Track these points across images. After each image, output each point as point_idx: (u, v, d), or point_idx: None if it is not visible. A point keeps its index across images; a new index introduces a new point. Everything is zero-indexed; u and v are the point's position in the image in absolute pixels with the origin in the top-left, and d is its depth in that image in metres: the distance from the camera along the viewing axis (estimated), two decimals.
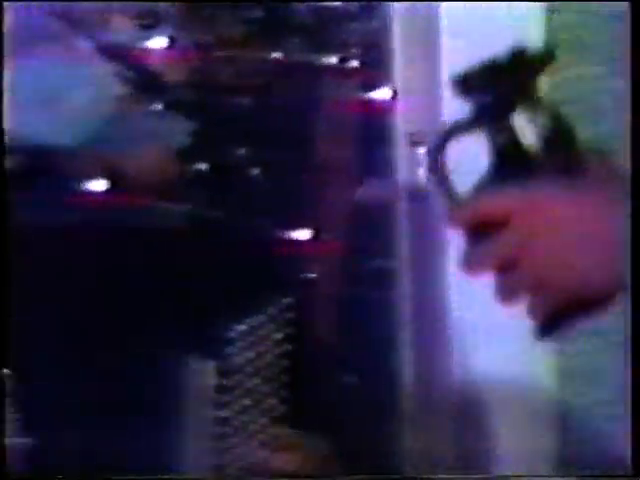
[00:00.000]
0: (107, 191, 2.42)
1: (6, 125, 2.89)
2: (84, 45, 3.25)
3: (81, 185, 2.43)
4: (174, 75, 3.09)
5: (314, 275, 2.38)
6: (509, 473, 1.73)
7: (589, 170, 1.61)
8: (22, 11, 3.04)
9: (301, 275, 2.08)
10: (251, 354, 1.74)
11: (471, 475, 1.73)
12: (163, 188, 2.63)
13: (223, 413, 1.73)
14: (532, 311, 1.60)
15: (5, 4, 2.05)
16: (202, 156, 2.95)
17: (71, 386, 1.62)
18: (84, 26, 3.19)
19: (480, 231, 1.58)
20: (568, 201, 1.55)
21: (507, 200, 1.58)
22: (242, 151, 2.93)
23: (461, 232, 1.60)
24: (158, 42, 3.11)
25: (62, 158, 2.52)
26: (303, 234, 2.24)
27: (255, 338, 1.75)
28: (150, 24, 3.20)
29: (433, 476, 1.80)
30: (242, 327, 1.71)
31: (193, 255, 1.69)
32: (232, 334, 1.72)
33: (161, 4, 3.19)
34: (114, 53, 3.15)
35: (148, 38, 3.13)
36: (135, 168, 2.74)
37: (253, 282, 1.81)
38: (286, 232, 2.04)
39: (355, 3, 2.99)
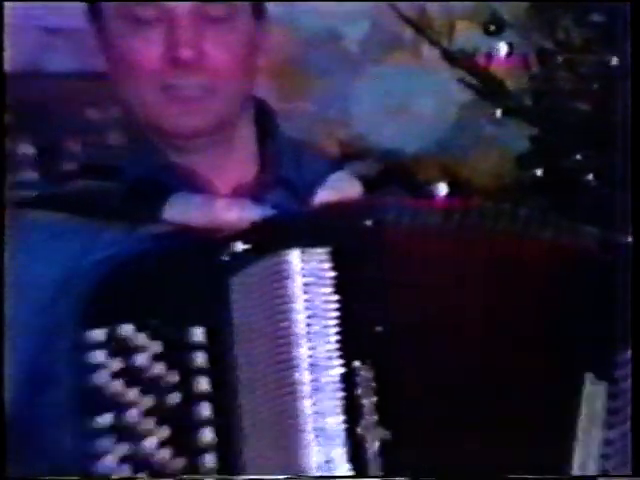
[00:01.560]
0: (448, 195, 2.50)
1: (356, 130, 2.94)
2: (430, 52, 3.36)
3: (425, 189, 2.52)
4: (514, 81, 3.14)
5: None
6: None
7: None
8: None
9: None
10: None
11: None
12: (500, 192, 2.70)
13: (611, 435, 1.66)
14: None
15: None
16: (539, 161, 2.96)
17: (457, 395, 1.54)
18: (430, 33, 3.31)
19: None
20: None
21: None
22: (579, 156, 2.88)
23: None
24: (500, 48, 3.17)
25: (408, 163, 2.61)
26: None
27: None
28: (494, 31, 3.27)
29: None
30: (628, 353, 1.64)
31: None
32: (623, 358, 1.65)
33: (503, 9, 3.25)
34: (458, 60, 3.24)
35: (490, 44, 3.19)
36: (474, 173, 2.81)
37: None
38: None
39: None
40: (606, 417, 1.54)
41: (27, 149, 2.50)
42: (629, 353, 1.55)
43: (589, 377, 1.53)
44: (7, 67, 2.99)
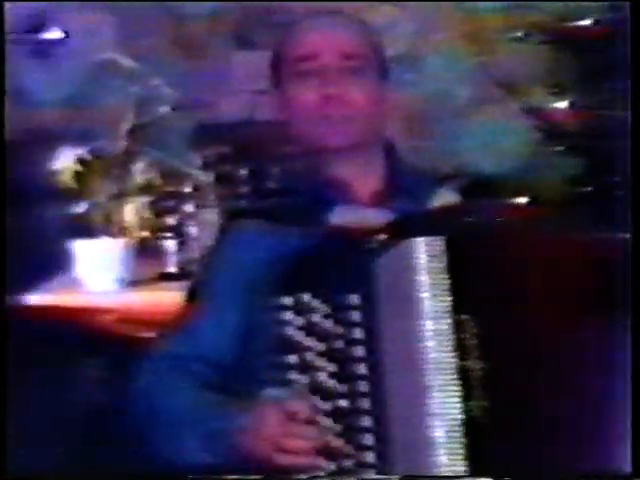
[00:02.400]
0: (527, 204, 2.47)
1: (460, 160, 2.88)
2: (514, 106, 3.34)
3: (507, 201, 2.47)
4: (571, 127, 3.12)
5: None
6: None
7: None
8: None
9: None
10: None
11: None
12: (561, 203, 2.66)
13: None
14: None
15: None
16: (589, 182, 2.96)
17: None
18: (515, 93, 3.29)
19: None
20: None
21: None
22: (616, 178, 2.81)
23: None
24: (561, 104, 3.16)
25: (497, 182, 2.58)
26: None
27: None
28: (558, 92, 3.25)
29: None
30: None
31: None
32: None
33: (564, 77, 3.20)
34: (534, 112, 3.23)
35: (555, 101, 3.17)
36: (544, 190, 2.77)
37: None
38: None
39: None
40: None
41: (244, 174, 2.53)
42: None
43: None
44: (228, 118, 2.90)
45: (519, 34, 3.35)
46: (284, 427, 1.41)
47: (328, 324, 1.43)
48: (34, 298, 2.37)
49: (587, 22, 3.07)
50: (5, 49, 1.92)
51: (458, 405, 1.40)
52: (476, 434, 1.39)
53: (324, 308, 1.43)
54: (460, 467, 1.39)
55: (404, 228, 1.47)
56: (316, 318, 1.43)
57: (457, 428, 1.39)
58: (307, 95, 1.65)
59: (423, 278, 1.41)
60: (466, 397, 1.40)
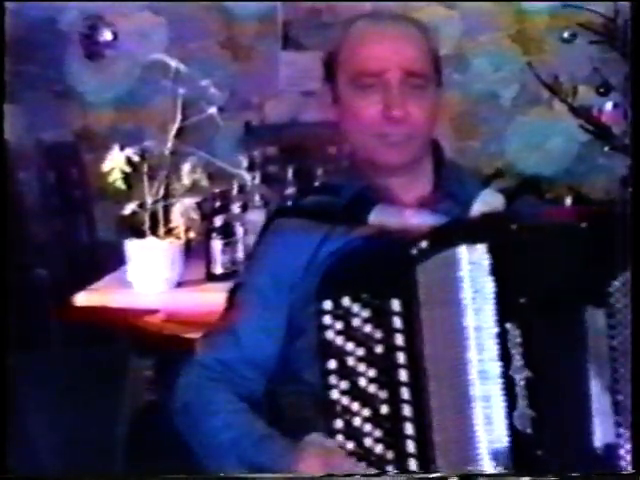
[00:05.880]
0: (572, 204, 2.41)
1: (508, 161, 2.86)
2: (560, 107, 3.28)
3: (552, 200, 2.42)
4: (617, 127, 3.06)
5: None
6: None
7: None
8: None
9: None
10: None
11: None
12: (608, 203, 2.60)
13: None
14: None
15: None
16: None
17: None
18: (560, 94, 3.22)
19: None
20: None
21: None
22: None
23: None
24: (608, 104, 3.11)
25: (543, 183, 2.52)
26: None
27: None
28: (604, 92, 3.18)
29: None
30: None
31: None
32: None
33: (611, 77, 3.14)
34: (580, 112, 3.17)
35: (601, 102, 3.12)
36: (591, 190, 2.71)
37: None
38: None
39: None
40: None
41: (289, 174, 2.50)
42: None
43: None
44: (274, 119, 2.88)
45: (566, 34, 3.29)
46: (325, 465, 1.38)
47: (368, 329, 1.39)
48: (80, 298, 2.33)
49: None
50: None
51: (503, 415, 1.35)
52: (521, 444, 1.35)
53: (364, 312, 1.39)
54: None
55: (447, 235, 1.42)
56: (356, 322, 1.39)
57: (502, 439, 1.35)
58: (369, 110, 1.58)
59: (466, 286, 1.38)
60: (511, 407, 1.36)
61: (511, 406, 1.35)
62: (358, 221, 1.55)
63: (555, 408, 1.37)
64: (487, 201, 1.62)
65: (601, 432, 1.39)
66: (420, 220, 1.55)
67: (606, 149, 3.06)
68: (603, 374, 1.39)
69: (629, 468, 1.39)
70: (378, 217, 1.57)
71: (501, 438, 1.35)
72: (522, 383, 1.37)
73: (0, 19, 1.78)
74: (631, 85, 1.55)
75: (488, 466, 1.35)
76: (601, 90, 3.16)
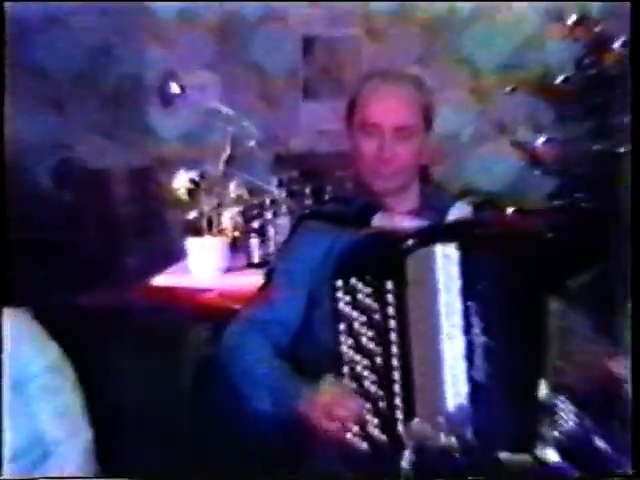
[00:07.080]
0: (513, 213, 2.39)
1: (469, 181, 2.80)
2: (505, 142, 3.26)
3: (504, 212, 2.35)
4: (549, 158, 3.07)
5: None
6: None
7: None
8: None
9: None
10: None
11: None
12: (539, 213, 2.60)
13: None
14: None
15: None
16: (562, 197, 2.91)
17: None
18: (504, 132, 3.19)
19: None
20: None
21: None
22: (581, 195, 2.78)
23: None
24: (540, 140, 3.10)
25: (494, 198, 2.46)
26: None
27: None
28: (537, 131, 3.16)
29: None
30: None
31: None
32: None
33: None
34: (519, 146, 3.16)
35: (535, 138, 3.11)
36: (526, 203, 2.66)
37: None
38: None
39: None
40: None
41: (307, 191, 2.50)
42: None
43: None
44: (297, 151, 2.84)
45: (508, 89, 3.28)
46: (335, 398, 1.38)
47: (369, 301, 1.39)
48: (157, 280, 2.34)
49: (560, 79, 3.00)
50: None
51: (464, 367, 1.35)
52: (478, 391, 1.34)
53: (366, 289, 1.39)
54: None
55: (428, 235, 1.41)
56: (360, 296, 1.39)
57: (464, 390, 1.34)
58: (367, 150, 1.59)
59: (440, 273, 1.38)
60: (470, 361, 1.35)
61: (470, 361, 1.35)
62: (363, 224, 1.56)
63: (504, 366, 1.35)
64: (458, 211, 1.62)
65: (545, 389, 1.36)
66: (409, 224, 1.56)
67: (536, 173, 3.08)
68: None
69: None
70: (378, 222, 1.58)
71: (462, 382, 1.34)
72: (480, 346, 1.36)
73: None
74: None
75: (451, 403, 1.34)
76: (535, 129, 3.17)
